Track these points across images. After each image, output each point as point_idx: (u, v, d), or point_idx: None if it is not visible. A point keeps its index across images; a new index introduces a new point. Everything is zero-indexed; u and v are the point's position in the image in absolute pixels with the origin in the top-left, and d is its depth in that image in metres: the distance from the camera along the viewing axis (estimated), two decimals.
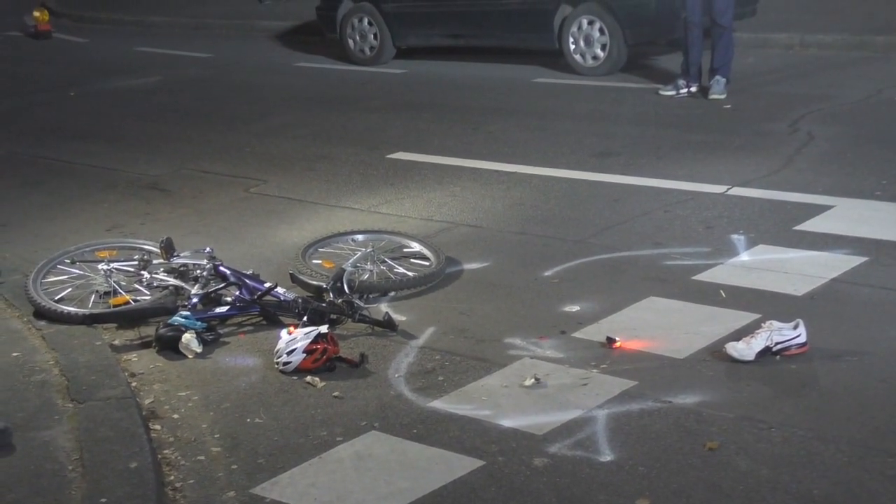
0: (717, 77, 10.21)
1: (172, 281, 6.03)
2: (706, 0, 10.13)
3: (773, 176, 7.78)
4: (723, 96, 10.15)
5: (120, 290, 6.07)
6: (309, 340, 5.14)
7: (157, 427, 4.73)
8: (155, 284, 6.06)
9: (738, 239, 6.55)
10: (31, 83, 13.77)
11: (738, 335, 5.13)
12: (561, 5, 11.90)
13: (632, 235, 6.76)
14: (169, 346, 5.47)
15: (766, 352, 4.94)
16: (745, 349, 4.94)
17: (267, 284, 5.84)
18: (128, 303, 5.99)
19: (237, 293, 5.86)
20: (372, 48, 13.62)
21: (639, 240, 6.67)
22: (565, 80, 11.73)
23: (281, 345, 5.22)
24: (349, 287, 5.79)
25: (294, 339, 5.17)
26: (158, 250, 6.18)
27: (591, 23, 11.71)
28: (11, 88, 13.60)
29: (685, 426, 4.44)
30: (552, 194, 7.75)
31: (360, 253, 6.28)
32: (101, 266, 6.16)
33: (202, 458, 4.46)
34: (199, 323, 5.57)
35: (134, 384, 5.14)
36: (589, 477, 4.13)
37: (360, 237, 6.62)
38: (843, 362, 4.90)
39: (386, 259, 6.34)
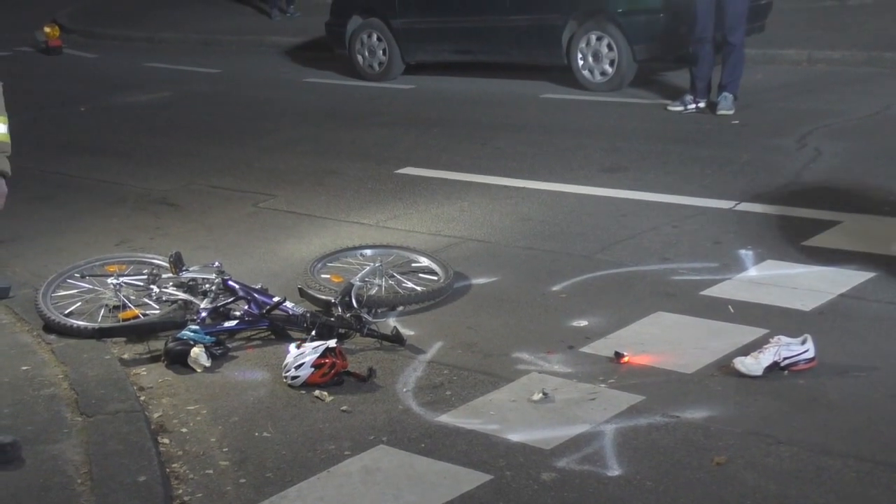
0: (725, 93, 10.22)
1: (181, 295, 6.04)
2: (718, 17, 10.16)
3: (781, 191, 7.78)
4: (731, 112, 10.15)
5: (129, 305, 6.09)
6: (317, 355, 5.15)
7: (166, 441, 4.74)
8: (164, 299, 6.07)
9: (745, 254, 6.55)
10: (42, 98, 13.83)
11: (746, 350, 5.13)
12: (569, 21, 11.93)
13: (640, 250, 6.77)
14: (178, 360, 5.48)
15: (774, 367, 4.94)
16: (754, 364, 4.94)
17: (275, 299, 5.85)
18: (137, 317, 6.01)
19: (246, 307, 5.87)
20: (381, 64, 13.66)
21: (647, 255, 6.68)
22: (573, 95, 11.75)
23: (289, 359, 5.23)
24: (357, 301, 5.80)
25: (302, 354, 5.19)
26: (167, 265, 6.19)
27: (599, 38, 11.73)
28: (22, 104, 13.59)
29: (693, 441, 4.44)
30: (560, 209, 7.76)
31: (368, 267, 6.29)
32: (111, 280, 6.19)
33: (210, 471, 4.47)
34: (207, 337, 5.58)
35: (143, 398, 5.16)
36: (597, 491, 4.13)
37: (368, 252, 6.63)
38: (851, 377, 4.90)
39: (394, 274, 6.35)
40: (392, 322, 5.84)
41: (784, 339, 5.04)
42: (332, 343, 5.26)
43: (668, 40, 11.53)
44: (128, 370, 5.46)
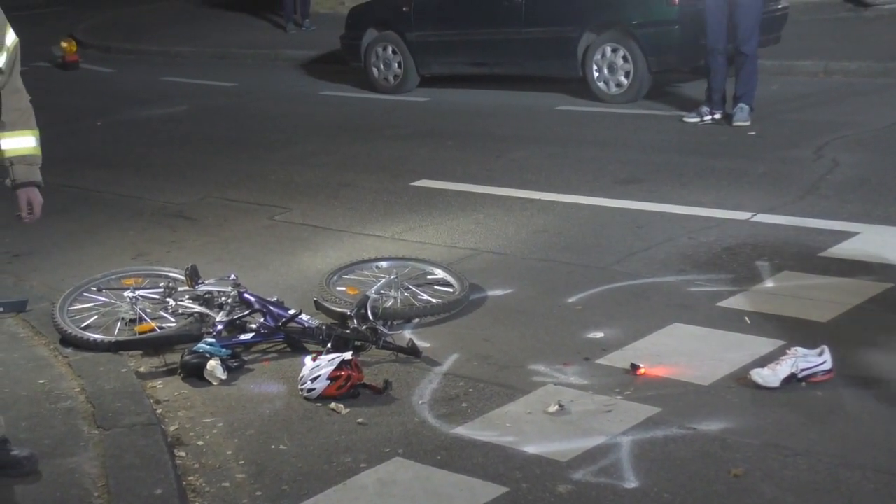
0: (741, 104, 10.19)
1: (197, 308, 6.05)
2: (730, 27, 10.15)
3: (798, 202, 7.76)
4: (746, 123, 10.13)
5: (145, 318, 6.10)
6: (333, 367, 5.15)
7: (182, 454, 4.75)
8: (180, 312, 6.08)
9: (762, 265, 6.53)
10: (59, 113, 13.86)
11: (762, 362, 5.11)
12: (585, 33, 11.93)
13: (655, 262, 6.75)
14: (194, 372, 5.49)
15: (791, 378, 4.92)
16: (770, 376, 4.92)
17: (291, 311, 5.85)
18: (153, 330, 6.01)
19: (262, 320, 5.88)
20: (396, 76, 13.69)
21: (663, 266, 6.66)
22: (589, 107, 11.75)
23: (305, 371, 5.23)
24: (373, 314, 5.80)
25: (318, 366, 5.19)
26: (184, 278, 6.21)
27: (614, 50, 11.73)
28: (39, 118, 13.58)
29: (710, 453, 4.42)
30: (576, 221, 7.75)
31: (383, 280, 6.30)
32: (127, 294, 6.20)
33: (227, 484, 4.47)
34: (223, 350, 5.59)
35: (159, 411, 5.16)
36: None
37: (384, 264, 6.63)
38: (868, 389, 4.87)
39: (410, 286, 6.35)
40: (408, 334, 5.84)
41: (801, 350, 5.02)
42: (347, 355, 5.25)
43: (683, 52, 11.52)
44: (144, 383, 5.47)
